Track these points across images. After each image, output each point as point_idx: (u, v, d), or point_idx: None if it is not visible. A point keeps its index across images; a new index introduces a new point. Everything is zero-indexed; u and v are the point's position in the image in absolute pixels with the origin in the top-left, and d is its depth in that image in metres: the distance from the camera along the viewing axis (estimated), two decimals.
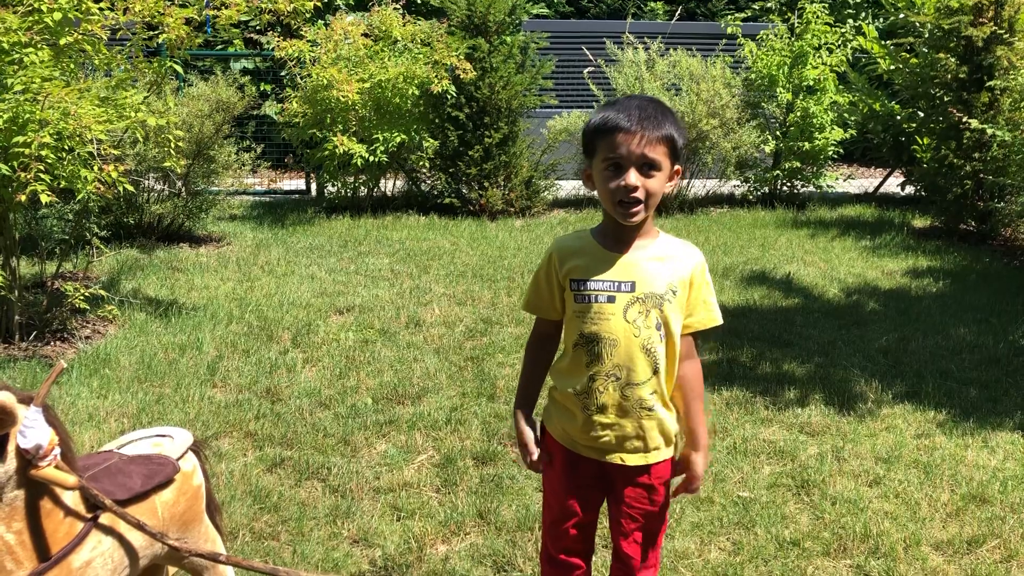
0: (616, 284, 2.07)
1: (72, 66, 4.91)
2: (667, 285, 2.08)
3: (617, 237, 2.11)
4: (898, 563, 2.98)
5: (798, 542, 3.11)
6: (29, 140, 4.28)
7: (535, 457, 2.22)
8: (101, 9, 4.90)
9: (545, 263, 2.18)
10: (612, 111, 2.05)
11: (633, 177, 2.01)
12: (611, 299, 2.07)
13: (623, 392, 2.09)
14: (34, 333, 5.00)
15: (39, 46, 4.55)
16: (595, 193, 2.12)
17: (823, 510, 3.34)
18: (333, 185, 9.25)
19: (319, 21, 9.70)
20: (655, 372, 2.09)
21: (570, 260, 2.13)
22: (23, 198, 4.37)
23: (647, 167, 2.02)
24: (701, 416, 2.22)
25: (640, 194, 2.02)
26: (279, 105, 9.19)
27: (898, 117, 9.48)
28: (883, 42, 9.89)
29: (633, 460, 2.14)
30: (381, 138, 8.51)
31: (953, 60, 8.19)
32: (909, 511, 3.34)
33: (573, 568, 2.25)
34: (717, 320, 2.18)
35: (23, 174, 4.32)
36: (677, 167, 2.11)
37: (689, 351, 2.19)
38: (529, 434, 2.23)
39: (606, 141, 2.03)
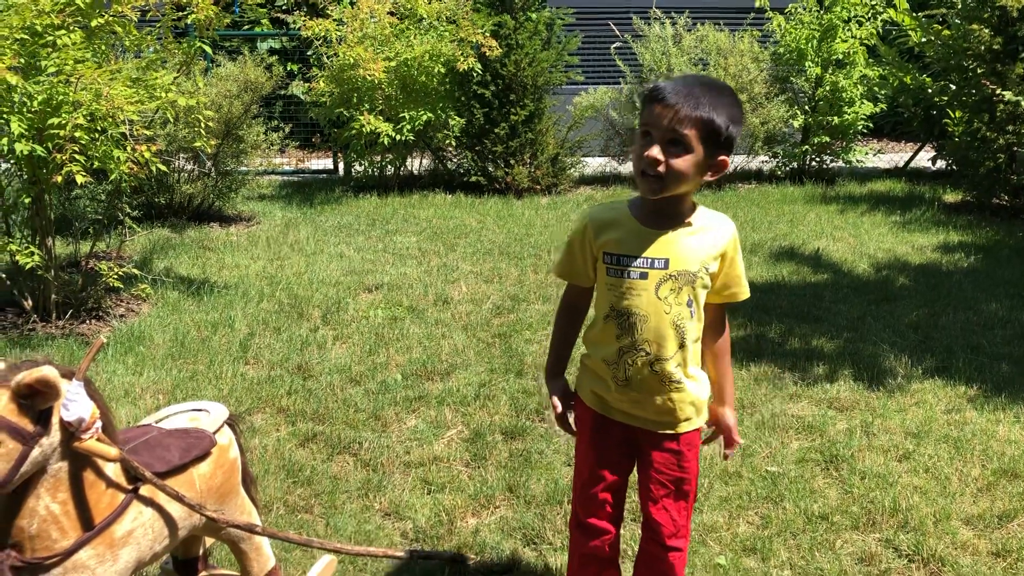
0: (650, 261, 2.07)
1: (103, 47, 4.97)
2: (700, 263, 2.08)
3: (653, 211, 2.09)
4: (928, 537, 2.98)
5: (827, 516, 3.12)
6: (64, 121, 4.34)
7: (571, 421, 2.31)
8: None
9: (580, 232, 2.17)
10: (667, 81, 2.03)
11: (656, 150, 1.97)
12: (644, 275, 2.07)
13: (651, 367, 2.10)
14: (70, 312, 5.09)
15: (71, 28, 4.61)
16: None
17: (852, 484, 3.34)
18: (360, 164, 9.29)
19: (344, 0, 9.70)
20: (682, 346, 2.10)
21: (605, 232, 2.12)
22: (59, 179, 4.45)
23: (672, 144, 1.97)
24: (730, 376, 2.29)
25: (661, 169, 1.98)
26: (306, 85, 9.22)
27: (929, 90, 9.33)
28: (914, 14, 9.72)
29: (662, 430, 2.18)
30: (407, 117, 8.52)
31: (987, 31, 8.04)
32: (939, 486, 3.33)
33: (602, 532, 2.27)
34: (747, 293, 2.21)
35: (58, 155, 4.40)
36: (722, 157, 2.01)
37: (718, 316, 2.22)
38: (561, 398, 2.31)
39: (647, 108, 2.02)
